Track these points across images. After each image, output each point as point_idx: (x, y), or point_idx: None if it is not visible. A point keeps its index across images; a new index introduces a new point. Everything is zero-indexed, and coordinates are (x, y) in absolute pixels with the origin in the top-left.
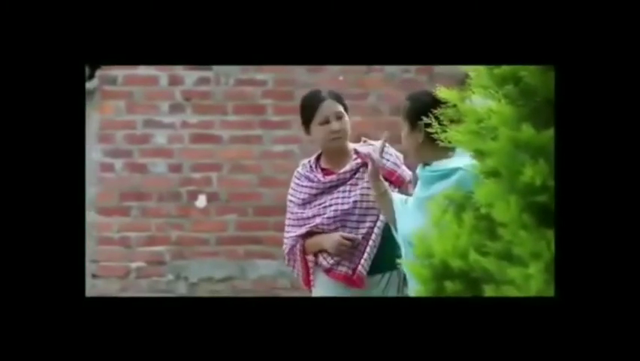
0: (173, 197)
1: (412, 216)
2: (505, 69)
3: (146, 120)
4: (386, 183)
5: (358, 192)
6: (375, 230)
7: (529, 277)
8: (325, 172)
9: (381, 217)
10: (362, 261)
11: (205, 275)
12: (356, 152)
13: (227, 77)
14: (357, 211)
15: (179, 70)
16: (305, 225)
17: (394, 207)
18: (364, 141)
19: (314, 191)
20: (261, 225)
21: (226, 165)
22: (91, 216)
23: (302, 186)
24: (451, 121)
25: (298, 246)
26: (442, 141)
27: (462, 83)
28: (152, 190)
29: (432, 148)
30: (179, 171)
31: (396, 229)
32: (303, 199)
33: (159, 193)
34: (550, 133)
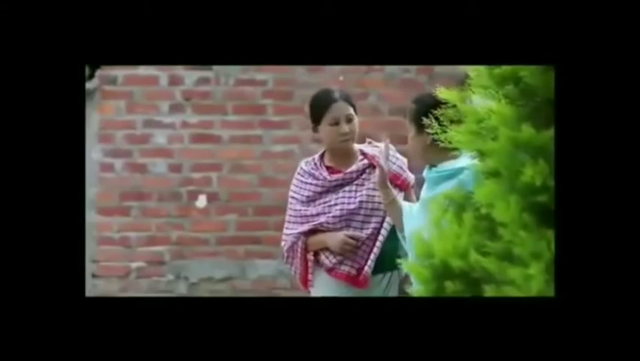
0: (173, 197)
1: (417, 219)
2: (505, 69)
3: (146, 120)
4: (394, 190)
5: (364, 192)
6: (382, 231)
7: (529, 277)
8: (330, 170)
9: (387, 219)
10: (369, 262)
11: (205, 275)
12: (363, 153)
13: (227, 77)
14: (362, 212)
15: (179, 70)
16: (308, 222)
17: (403, 214)
18: (369, 142)
19: (319, 189)
20: (261, 225)
21: (226, 165)
22: (91, 216)
23: (306, 183)
24: (452, 121)
25: (299, 243)
26: (443, 142)
27: (462, 83)
28: (152, 190)
29: (439, 149)
30: (179, 171)
31: (404, 237)
32: (307, 196)
33: (159, 193)
34: (550, 133)
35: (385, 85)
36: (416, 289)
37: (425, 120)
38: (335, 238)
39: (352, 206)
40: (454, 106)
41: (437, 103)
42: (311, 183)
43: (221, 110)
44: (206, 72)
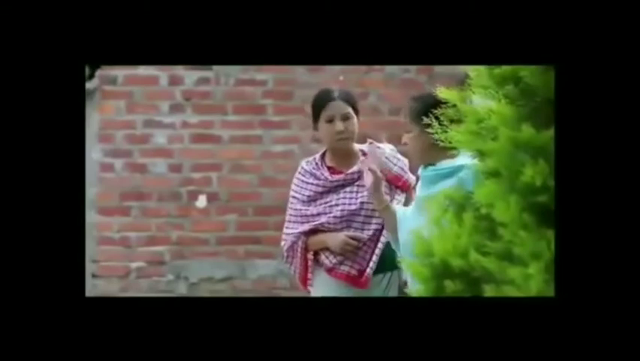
0: (174, 197)
1: (412, 220)
2: (505, 69)
3: (146, 120)
4: (387, 197)
5: (365, 193)
6: (384, 232)
7: (529, 277)
8: (332, 171)
9: None
10: (371, 263)
11: (205, 275)
12: (363, 153)
13: (227, 77)
14: (363, 212)
15: (179, 70)
16: (308, 222)
17: (397, 219)
18: (370, 143)
19: (320, 189)
20: (261, 225)
21: (226, 165)
22: (91, 216)
23: (307, 182)
24: (452, 121)
25: (300, 243)
26: (442, 142)
27: (462, 83)
28: (152, 190)
29: (440, 149)
30: (179, 171)
31: (397, 246)
32: (308, 196)
33: (159, 193)
34: (550, 133)
35: (385, 85)
36: (415, 288)
37: (425, 120)
38: (336, 239)
39: (353, 207)
40: (454, 106)
41: (437, 102)
42: (312, 183)
43: (221, 110)
44: (206, 72)
